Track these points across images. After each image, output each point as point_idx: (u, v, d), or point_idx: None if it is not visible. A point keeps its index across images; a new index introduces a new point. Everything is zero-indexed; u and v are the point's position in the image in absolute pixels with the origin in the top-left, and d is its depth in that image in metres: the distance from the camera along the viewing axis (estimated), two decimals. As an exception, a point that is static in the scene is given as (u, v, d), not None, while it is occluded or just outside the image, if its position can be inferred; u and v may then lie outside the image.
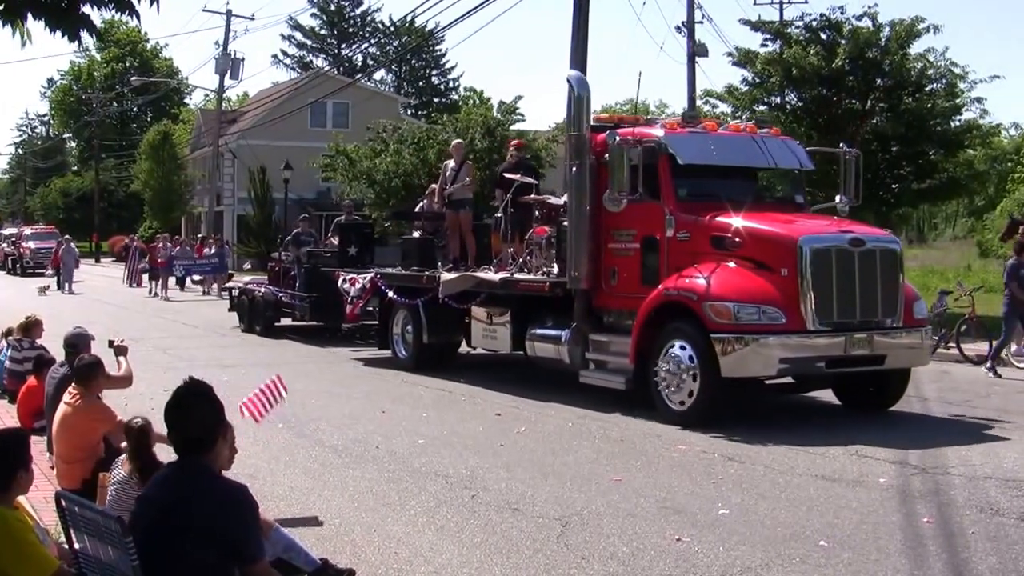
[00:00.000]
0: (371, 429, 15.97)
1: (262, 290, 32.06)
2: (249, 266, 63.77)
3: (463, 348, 23.66)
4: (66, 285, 52.34)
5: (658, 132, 18.21)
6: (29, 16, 7.97)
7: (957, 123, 35.48)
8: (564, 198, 20.11)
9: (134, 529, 6.31)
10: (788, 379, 17.28)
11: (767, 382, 17.10)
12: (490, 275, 21.20)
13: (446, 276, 21.94)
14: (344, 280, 25.23)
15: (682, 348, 16.23)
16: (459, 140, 28.12)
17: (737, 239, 16.60)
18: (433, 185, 26.90)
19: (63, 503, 6.97)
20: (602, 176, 18.08)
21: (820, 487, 12.20)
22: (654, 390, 16.62)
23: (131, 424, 9.59)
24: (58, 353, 14.24)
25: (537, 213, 20.70)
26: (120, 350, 12.86)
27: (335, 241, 29.86)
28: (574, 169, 18.33)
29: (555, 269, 19.54)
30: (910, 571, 9.31)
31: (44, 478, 11.41)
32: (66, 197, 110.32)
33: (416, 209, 28.09)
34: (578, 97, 18.54)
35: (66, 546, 7.22)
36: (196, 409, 6.63)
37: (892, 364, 16.68)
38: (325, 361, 25.00)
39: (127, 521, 6.45)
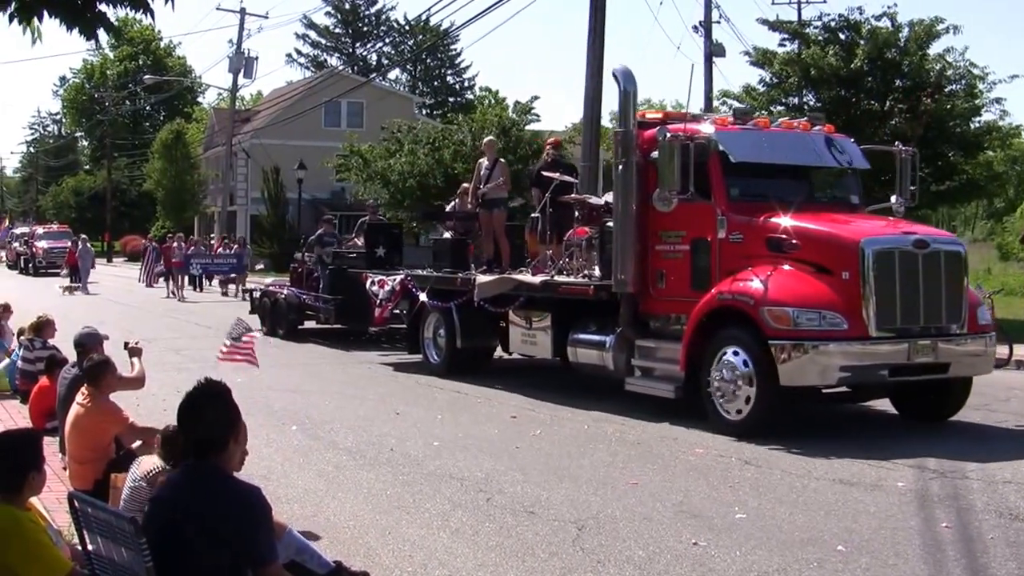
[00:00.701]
0: (385, 431, 15.91)
1: (285, 292, 31.49)
2: (262, 266, 63.77)
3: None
4: (83, 285, 52.07)
5: (708, 129, 17.41)
6: (46, 14, 7.93)
7: (976, 124, 35.33)
8: (605, 198, 19.73)
9: (146, 530, 6.28)
10: (844, 388, 16.46)
11: (823, 391, 16.33)
12: (530, 277, 20.53)
13: (482, 278, 21.29)
14: (372, 282, 24.31)
15: (736, 355, 15.54)
16: (492, 138, 27.45)
17: (794, 241, 15.91)
18: (465, 184, 26.41)
19: (76, 504, 6.94)
20: (649, 175, 17.41)
21: (838, 491, 12.11)
22: (707, 399, 15.97)
23: (168, 431, 9.57)
24: (70, 353, 14.19)
25: (577, 214, 20.07)
26: (134, 351, 12.83)
27: (359, 242, 29.39)
28: (620, 168, 17.61)
29: (596, 272, 18.92)
30: (929, 577, 9.22)
31: (56, 479, 11.37)
32: (78, 196, 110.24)
33: (447, 209, 27.41)
34: (624, 92, 17.81)
35: (79, 547, 7.19)
36: (209, 410, 6.58)
37: (956, 372, 15.98)
38: (339, 363, 24.95)
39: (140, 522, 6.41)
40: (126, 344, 12.97)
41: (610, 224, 18.25)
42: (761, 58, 37.29)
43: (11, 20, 7.96)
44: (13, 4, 7.88)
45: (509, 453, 14.36)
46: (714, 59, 47.28)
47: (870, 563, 9.51)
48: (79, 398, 11.38)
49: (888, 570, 9.36)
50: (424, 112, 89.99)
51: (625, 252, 17.49)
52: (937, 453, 13.91)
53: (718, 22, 50.84)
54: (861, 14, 36.01)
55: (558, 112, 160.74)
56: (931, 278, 15.65)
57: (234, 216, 77.11)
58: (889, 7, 35.57)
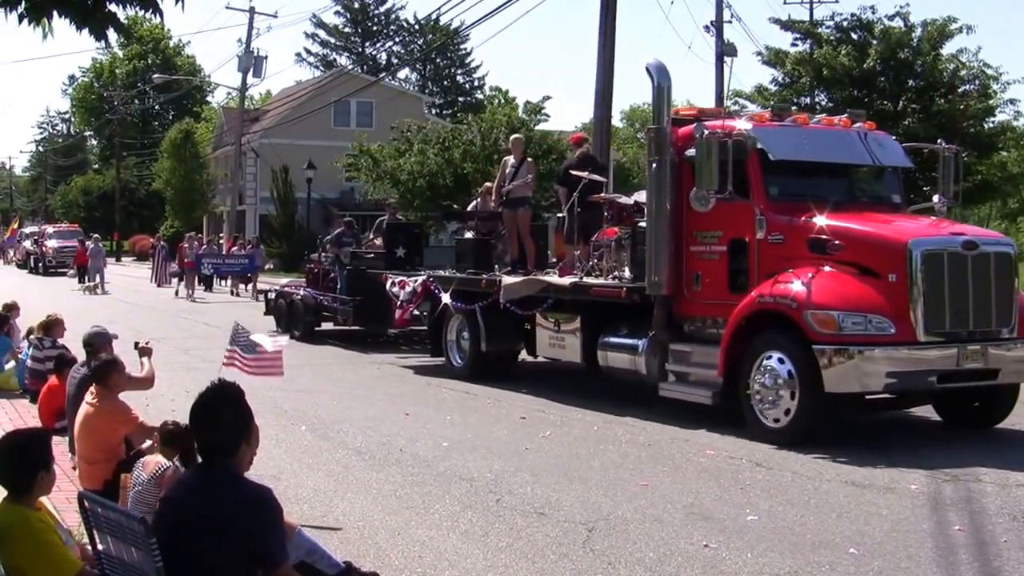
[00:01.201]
0: (395, 432, 15.89)
1: (301, 293, 30.79)
2: (271, 266, 63.77)
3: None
4: (95, 284, 51.86)
5: (746, 126, 16.78)
6: (55, 14, 7.89)
7: (990, 125, 35.31)
8: (634, 197, 19.29)
9: (157, 531, 6.26)
10: (889, 395, 15.73)
11: (867, 398, 15.45)
12: (559, 279, 20.04)
13: (508, 280, 20.73)
14: (393, 283, 23.65)
15: (779, 361, 14.97)
16: (518, 135, 26.98)
17: (837, 242, 15.26)
18: (488, 183, 26.11)
19: (86, 504, 6.91)
20: (683, 173, 16.87)
21: (849, 493, 12.08)
22: (746, 405, 15.41)
23: (177, 428, 9.61)
24: (79, 352, 14.18)
25: (606, 213, 19.66)
26: (144, 351, 12.81)
27: (377, 242, 29.04)
28: (654, 166, 17.09)
29: (627, 273, 18.42)
30: (941, 580, 9.18)
31: (66, 478, 11.34)
32: (87, 195, 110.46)
33: (469, 208, 26.67)
34: (658, 87, 17.27)
35: (89, 547, 7.17)
36: (222, 413, 6.55)
37: (1005, 379, 15.42)
38: (349, 363, 24.88)
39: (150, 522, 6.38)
40: (136, 344, 12.96)
41: (642, 224, 17.92)
42: (773, 58, 37.34)
43: (20, 20, 7.92)
44: (23, 4, 7.84)
45: (519, 454, 14.33)
46: (726, 59, 47.23)
47: (882, 566, 9.48)
48: (88, 398, 11.37)
49: (900, 573, 9.33)
50: (434, 112, 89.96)
51: (659, 253, 16.98)
52: (950, 455, 13.88)
53: (730, 22, 51.01)
54: (874, 13, 36.15)
55: (568, 112, 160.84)
56: (981, 280, 15.12)
57: (243, 216, 77.16)
58: (902, 7, 35.69)
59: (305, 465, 13.68)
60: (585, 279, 19.24)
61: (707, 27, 48.98)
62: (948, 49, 35.38)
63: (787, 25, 38.88)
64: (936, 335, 14.75)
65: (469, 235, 24.50)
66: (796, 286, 15.11)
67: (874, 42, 34.97)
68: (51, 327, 18.11)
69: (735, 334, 15.72)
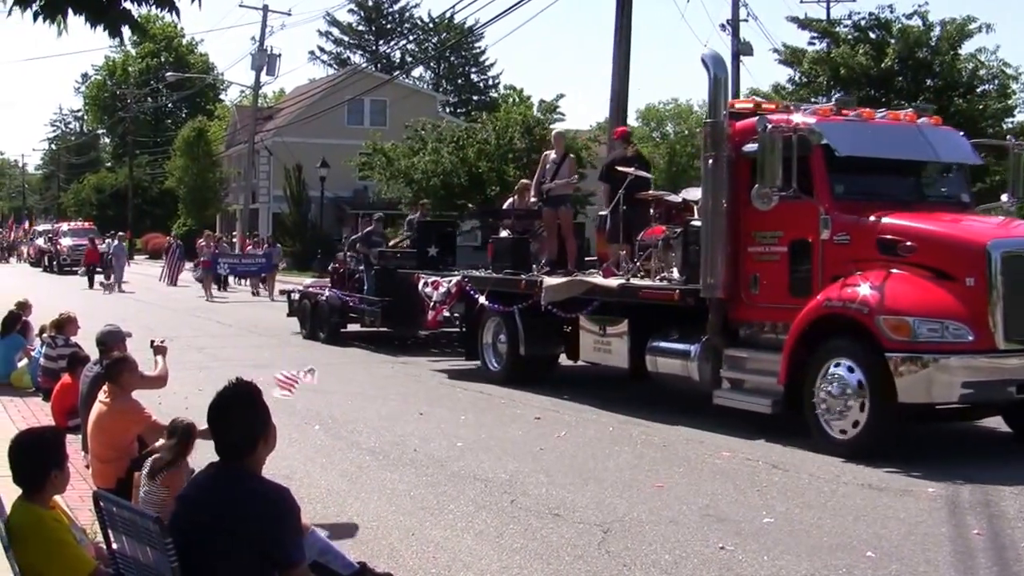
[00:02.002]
0: (408, 431, 15.86)
1: (326, 293, 29.67)
2: (284, 265, 63.83)
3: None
4: (116, 284, 51.72)
5: (810, 120, 15.97)
6: (70, 12, 7.88)
7: (1009, 124, 35.21)
8: (683, 195, 18.83)
9: (172, 530, 6.25)
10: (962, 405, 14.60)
11: (938, 408, 14.57)
12: (605, 280, 19.04)
13: (550, 281, 19.82)
14: (426, 283, 22.91)
15: (848, 369, 14.13)
16: (560, 131, 26.75)
17: (910, 243, 14.50)
18: (524, 180, 25.56)
19: (101, 503, 6.90)
20: (740, 170, 16.19)
21: (867, 496, 12.02)
22: (810, 415, 14.56)
23: (176, 422, 9.64)
24: (93, 351, 14.16)
25: (652, 211, 19.04)
26: (159, 350, 12.79)
27: (406, 242, 28.45)
28: (710, 162, 16.31)
29: (675, 274, 17.64)
30: (960, 584, 9.13)
31: (79, 477, 11.32)
32: (99, 193, 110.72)
33: (504, 206, 25.94)
34: (715, 79, 16.50)
35: (103, 546, 7.15)
36: (240, 412, 6.53)
37: None
38: (362, 363, 24.83)
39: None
40: (152, 342, 12.93)
41: (694, 223, 17.25)
42: (791, 57, 37.25)
43: (36, 17, 7.92)
44: (38, 2, 7.83)
45: (533, 455, 14.28)
46: (742, 58, 47.19)
47: (900, 569, 9.42)
48: (101, 396, 11.35)
49: (918, 577, 9.24)
50: (448, 110, 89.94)
51: (715, 254, 16.23)
52: (967, 458, 13.85)
53: (746, 20, 50.79)
54: (892, 12, 36.06)
55: (582, 111, 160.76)
56: None
57: (256, 214, 77.25)
58: (920, 5, 35.60)
59: (318, 465, 13.66)
60: (632, 281, 18.42)
61: (723, 26, 48.97)
62: (967, 48, 35.36)
63: (804, 24, 38.85)
64: (1017, 342, 13.94)
65: (504, 233, 23.77)
66: (867, 290, 14.29)
67: (892, 41, 34.94)
68: (63, 325, 18.12)
69: (799, 340, 14.92)
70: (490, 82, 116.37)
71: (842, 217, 15.14)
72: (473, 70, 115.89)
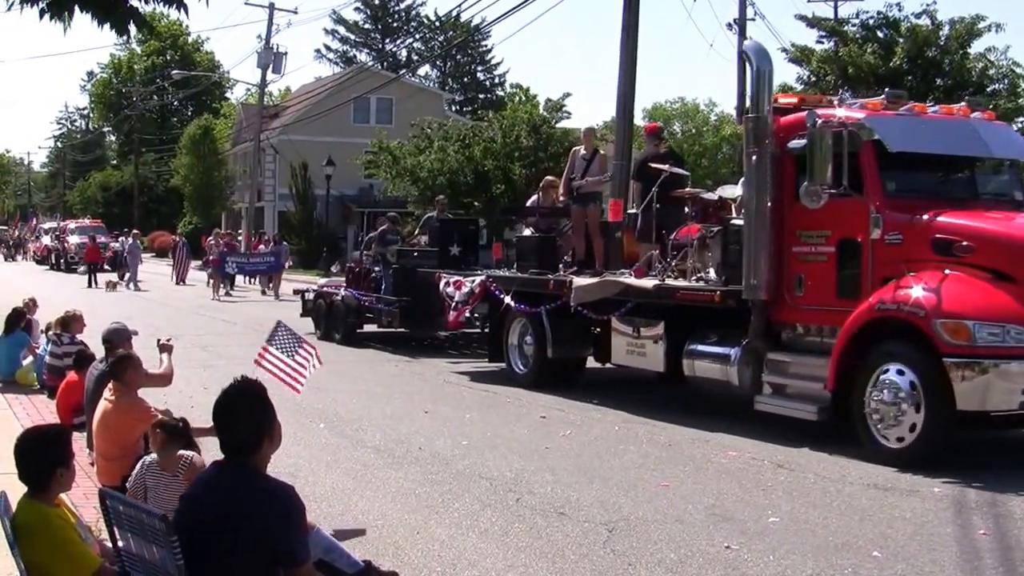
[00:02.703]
0: (413, 430, 15.88)
1: (342, 293, 28.96)
2: (290, 263, 63.84)
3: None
4: (132, 281, 51.60)
5: (859, 114, 15.27)
6: (77, 9, 7.88)
7: (1019, 124, 35.15)
8: (718, 192, 18.45)
9: (177, 528, 6.24)
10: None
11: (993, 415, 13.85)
12: (640, 281, 18.27)
13: (580, 281, 19.21)
14: (447, 283, 22.29)
15: (900, 374, 13.53)
16: (592, 126, 26.38)
17: (966, 243, 13.89)
18: (549, 177, 25.02)
19: (107, 501, 6.91)
20: (785, 166, 15.63)
21: (872, 496, 12.01)
22: (860, 423, 13.95)
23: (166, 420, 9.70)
24: (99, 349, 14.18)
25: (687, 210, 18.28)
26: (164, 348, 12.78)
27: (424, 240, 27.83)
28: (753, 158, 15.59)
29: (711, 274, 17.07)
30: (966, 584, 9.12)
31: (85, 475, 11.36)
32: (105, 191, 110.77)
33: (527, 204, 24.93)
34: (758, 71, 15.93)
35: (108, 544, 7.16)
36: (245, 410, 6.53)
37: None
38: (368, 361, 24.78)
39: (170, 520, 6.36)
40: (158, 341, 12.94)
41: (735, 221, 16.68)
42: (799, 55, 37.21)
43: (42, 15, 7.92)
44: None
45: (539, 453, 14.28)
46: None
47: (906, 569, 9.42)
48: (106, 394, 11.37)
49: (924, 577, 9.23)
50: (454, 109, 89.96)
51: (758, 254, 15.56)
52: (973, 458, 13.80)
53: (752, 19, 50.74)
54: (900, 11, 36.02)
55: (587, 110, 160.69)
56: None
57: (262, 212, 77.27)
58: (929, 4, 35.55)
59: (323, 463, 13.67)
60: (669, 281, 17.76)
61: (730, 25, 49.02)
62: (976, 48, 35.31)
63: (813, 22, 38.83)
64: None
65: (528, 232, 23.22)
66: (922, 291, 13.65)
67: (900, 40, 34.90)
68: (69, 323, 18.14)
69: (849, 344, 14.29)
70: (496, 81, 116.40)
71: (894, 216, 14.51)
72: (479, 69, 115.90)
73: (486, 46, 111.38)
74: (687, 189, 18.74)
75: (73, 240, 71.20)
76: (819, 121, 14.81)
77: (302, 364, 12.42)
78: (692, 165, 71.76)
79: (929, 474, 12.85)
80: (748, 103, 16.44)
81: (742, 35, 47.14)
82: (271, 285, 48.14)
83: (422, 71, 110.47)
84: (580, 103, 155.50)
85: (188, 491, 6.95)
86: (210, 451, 7.49)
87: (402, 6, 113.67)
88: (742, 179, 17.25)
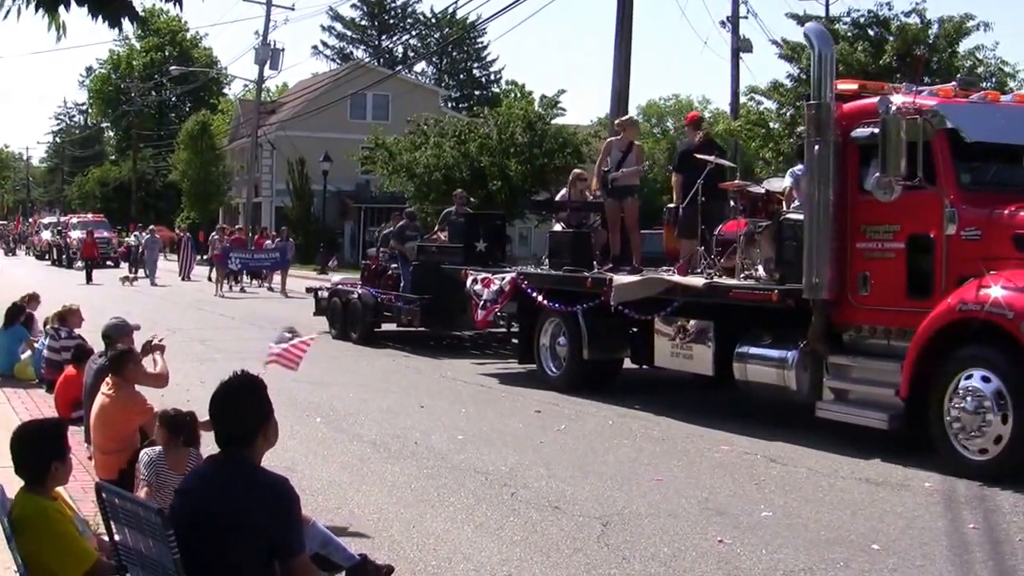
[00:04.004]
0: (410, 424, 15.92)
1: (359, 291, 27.83)
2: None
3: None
4: (150, 277, 51.41)
5: (931, 101, 14.18)
6: (72, 3, 7.92)
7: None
8: (765, 185, 17.67)
9: (174, 522, 6.25)
10: None
11: None
12: (688, 279, 17.31)
13: (620, 279, 18.19)
14: (475, 280, 21.26)
15: (985, 380, 12.56)
16: (632, 117, 25.48)
17: None
18: (577, 170, 24.10)
19: (103, 495, 6.92)
20: (848, 157, 14.60)
21: (864, 491, 12.06)
22: (939, 433, 13.02)
23: (165, 413, 9.72)
24: (97, 343, 14.23)
25: (733, 203, 17.76)
26: (155, 348, 12.80)
27: (443, 236, 26.63)
28: (816, 148, 14.49)
29: (760, 272, 16.36)
30: (956, 578, 9.17)
31: (82, 468, 11.41)
32: (104, 187, 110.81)
33: (556, 198, 23.91)
34: (819, 55, 14.83)
35: (105, 538, 7.18)
36: (243, 403, 6.57)
37: None
38: (363, 356, 24.79)
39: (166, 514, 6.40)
40: (148, 342, 12.93)
41: (790, 216, 15.85)
42: (790, 52, 37.34)
43: (37, 9, 7.96)
44: (41, -5, 7.89)
45: (534, 447, 14.33)
46: (741, 55, 47.33)
47: (897, 563, 9.47)
48: (104, 388, 11.44)
49: (915, 571, 9.31)
50: (450, 105, 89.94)
51: (820, 251, 14.53)
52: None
53: (745, 17, 50.96)
54: (890, 10, 36.15)
55: (582, 106, 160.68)
56: None
57: (259, 208, 77.26)
58: (918, 3, 35.65)
59: (320, 457, 13.72)
60: (720, 279, 16.84)
61: (723, 23, 49.17)
62: (965, 46, 35.43)
63: (804, 20, 38.98)
64: None
65: (558, 227, 22.27)
66: (1009, 291, 12.60)
67: (890, 38, 35.03)
68: (67, 317, 18.18)
69: (926, 347, 13.26)
70: (492, 77, 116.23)
71: (971, 210, 13.47)
72: (475, 65, 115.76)
73: (482, 43, 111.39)
74: (735, 182, 17.93)
75: (75, 235, 70.50)
76: (893, 108, 13.69)
77: (300, 349, 12.31)
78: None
79: (920, 469, 12.89)
80: (810, 90, 15.34)
81: (735, 33, 47.26)
82: (275, 282, 47.32)
83: (418, 68, 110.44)
84: (575, 100, 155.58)
85: (183, 485, 6.97)
86: (209, 446, 7.53)
87: (398, 3, 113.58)
88: (790, 171, 17.01)
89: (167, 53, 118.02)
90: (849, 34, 36.38)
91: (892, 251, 14.21)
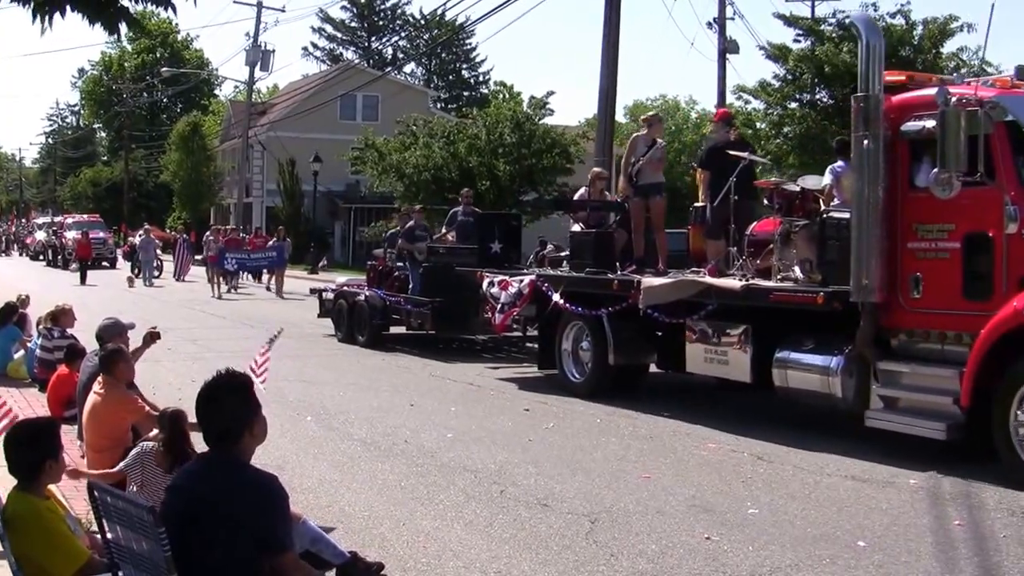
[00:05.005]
0: (399, 423, 15.96)
1: (366, 293, 26.99)
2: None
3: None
4: (146, 278, 51.03)
5: (989, 92, 13.43)
6: (68, 9, 8.00)
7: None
8: (800, 183, 16.83)
9: (165, 519, 6.31)
10: None
11: None
12: (724, 282, 16.43)
13: (650, 281, 17.48)
14: (491, 283, 20.60)
15: None
16: (655, 112, 24.98)
17: None
18: (597, 169, 24.14)
19: (96, 493, 6.97)
20: (898, 152, 13.85)
21: (850, 488, 12.13)
22: (1004, 444, 12.37)
23: (164, 412, 9.74)
24: (90, 343, 14.27)
25: (766, 202, 17.24)
26: (155, 337, 12.95)
27: (451, 237, 26.39)
28: (865, 143, 13.73)
29: (796, 273, 15.60)
30: (941, 574, 9.26)
31: (74, 467, 11.42)
32: (96, 187, 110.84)
33: (575, 197, 23.19)
34: (868, 46, 14.00)
35: (97, 536, 7.24)
36: (227, 401, 6.62)
37: None
38: (354, 355, 24.79)
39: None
40: (147, 334, 13.07)
41: (834, 214, 15.25)
42: (777, 53, 37.49)
43: (35, 15, 8.03)
44: (36, -2, 7.96)
45: (522, 446, 14.39)
46: (728, 56, 47.40)
47: (883, 560, 9.52)
48: (95, 387, 11.49)
49: (900, 567, 9.37)
50: (439, 106, 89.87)
51: (869, 251, 13.77)
52: (949, 451, 13.65)
53: (732, 18, 51.04)
54: (875, 11, 36.29)
55: (570, 107, 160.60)
56: None
57: (250, 208, 77.24)
58: (903, 4, 35.78)
59: (310, 455, 13.77)
60: (756, 281, 16.01)
61: (710, 24, 49.18)
62: (949, 47, 35.60)
63: (790, 21, 39.14)
64: None
65: (577, 227, 21.54)
66: None
67: (876, 40, 35.29)
68: (59, 317, 18.24)
69: (989, 353, 12.49)
70: (480, 78, 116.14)
71: None
72: (464, 66, 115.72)
73: (470, 44, 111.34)
74: (771, 179, 17.15)
75: (71, 235, 69.46)
76: (952, 99, 12.90)
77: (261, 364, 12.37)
78: (672, 161, 72.16)
79: (905, 466, 12.94)
80: (857, 81, 14.32)
81: (722, 34, 47.28)
82: (273, 281, 46.61)
83: (408, 69, 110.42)
84: (563, 101, 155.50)
85: (174, 482, 7.00)
86: (198, 446, 7.60)
87: (388, 5, 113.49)
88: (829, 168, 16.63)
89: (159, 55, 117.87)
90: (834, 35, 36.51)
91: (947, 251, 13.44)
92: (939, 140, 12.75)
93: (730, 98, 44.90)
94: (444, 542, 10.05)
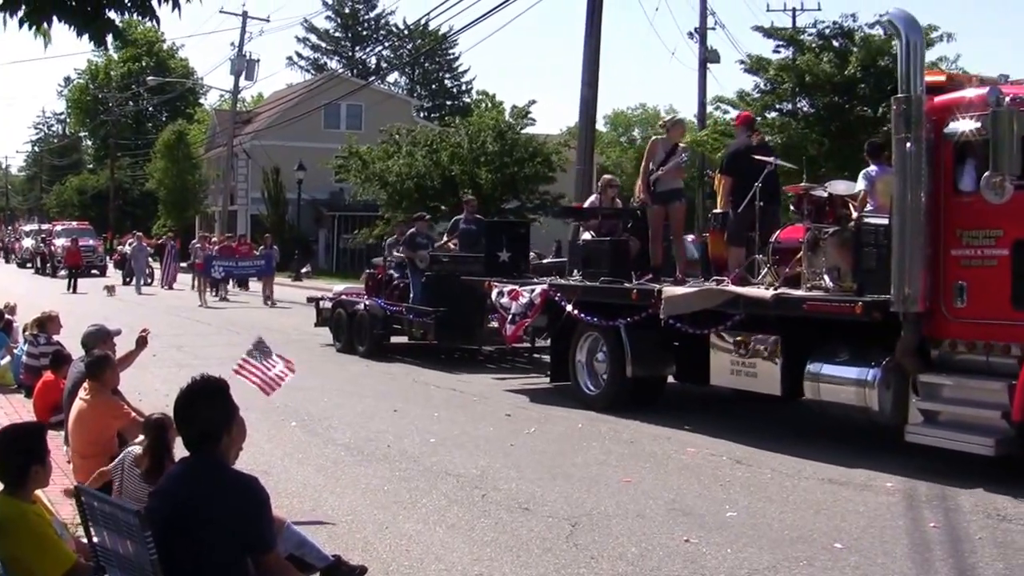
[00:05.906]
0: (383, 428, 16.04)
1: (366, 302, 26.21)
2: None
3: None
4: (136, 285, 50.75)
5: None
6: (56, 19, 8.10)
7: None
8: (828, 188, 16.12)
9: (150, 523, 6.37)
10: None
11: None
12: (752, 291, 15.77)
13: (672, 291, 16.82)
14: (501, 293, 19.87)
15: None
16: (675, 117, 24.84)
17: None
18: (607, 175, 23.59)
19: (82, 498, 7.04)
20: (941, 155, 13.20)
21: (827, 491, 12.23)
22: None
23: (149, 418, 9.80)
24: (76, 350, 14.33)
25: (792, 208, 16.76)
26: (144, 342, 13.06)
27: (453, 244, 25.79)
28: (907, 146, 13.13)
29: (826, 281, 14.87)
30: (917, 575, 9.36)
31: (61, 472, 11.51)
32: (82, 195, 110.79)
33: (586, 204, 22.30)
34: (908, 44, 13.48)
35: (84, 540, 7.30)
36: (204, 405, 6.72)
37: None
38: (337, 361, 24.87)
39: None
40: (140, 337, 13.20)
41: (871, 220, 14.64)
42: (756, 65, 37.63)
43: (21, 24, 8.11)
44: (24, 8, 8.03)
45: (504, 450, 14.48)
46: (709, 65, 47.61)
47: (859, 561, 9.62)
48: (82, 393, 11.55)
49: (877, 569, 9.47)
50: (422, 115, 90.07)
51: (912, 258, 13.15)
52: (925, 455, 13.65)
53: (713, 28, 51.23)
54: (855, 21, 36.43)
55: (554, 116, 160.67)
56: None
57: (235, 216, 77.20)
58: (882, 15, 35.90)
59: (295, 460, 13.85)
60: (785, 290, 15.33)
61: (691, 34, 49.59)
62: (928, 57, 35.73)
63: (770, 32, 39.30)
64: None
65: (588, 235, 20.80)
66: None
67: (855, 49, 35.35)
68: (45, 323, 18.28)
69: None
70: (463, 88, 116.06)
71: None
72: (447, 76, 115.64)
73: (453, 54, 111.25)
74: (800, 185, 16.48)
75: (59, 243, 68.59)
76: (1006, 99, 12.41)
77: (280, 376, 12.33)
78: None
79: (881, 470, 13.05)
80: (897, 82, 13.76)
81: (703, 44, 47.54)
82: (267, 293, 44.92)
83: (391, 78, 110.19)
84: (545, 110, 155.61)
85: (158, 486, 7.04)
86: (180, 451, 7.68)
87: (372, 15, 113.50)
88: (863, 172, 16.06)
89: (144, 64, 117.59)
90: (815, 45, 36.68)
91: (994, 258, 12.75)
92: (991, 142, 12.32)
93: (709, 108, 45.09)
94: (427, 545, 10.11)
